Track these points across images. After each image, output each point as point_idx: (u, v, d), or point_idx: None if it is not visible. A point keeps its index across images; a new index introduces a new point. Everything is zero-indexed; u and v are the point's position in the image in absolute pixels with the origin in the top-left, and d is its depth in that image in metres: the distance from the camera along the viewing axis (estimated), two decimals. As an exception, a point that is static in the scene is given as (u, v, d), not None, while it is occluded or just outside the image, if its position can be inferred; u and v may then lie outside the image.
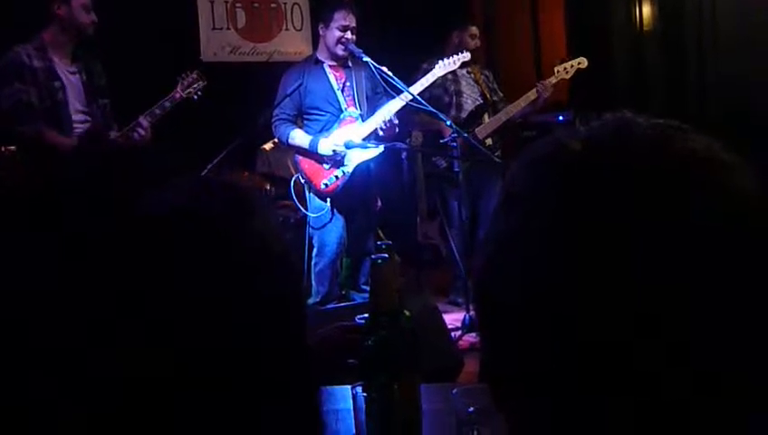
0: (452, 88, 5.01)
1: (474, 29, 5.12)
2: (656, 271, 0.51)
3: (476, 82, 5.12)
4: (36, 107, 3.67)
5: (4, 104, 3.65)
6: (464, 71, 5.04)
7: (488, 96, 5.10)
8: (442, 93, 4.96)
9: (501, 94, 5.18)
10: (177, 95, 4.05)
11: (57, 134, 3.72)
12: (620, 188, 0.53)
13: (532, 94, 4.85)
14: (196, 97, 4.13)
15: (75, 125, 3.83)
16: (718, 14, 5.07)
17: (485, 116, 5.03)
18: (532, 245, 0.55)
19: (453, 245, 4.96)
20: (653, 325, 0.51)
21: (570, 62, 4.93)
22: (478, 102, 5.06)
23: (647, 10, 5.62)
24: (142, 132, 3.87)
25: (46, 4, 3.75)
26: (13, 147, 3.84)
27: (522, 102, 4.88)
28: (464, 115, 5.01)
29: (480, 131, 4.90)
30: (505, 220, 0.58)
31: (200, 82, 4.16)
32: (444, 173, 4.82)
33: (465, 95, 5.06)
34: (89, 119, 3.89)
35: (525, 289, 0.55)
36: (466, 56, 4.54)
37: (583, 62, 4.91)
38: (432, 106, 4.67)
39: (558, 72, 4.92)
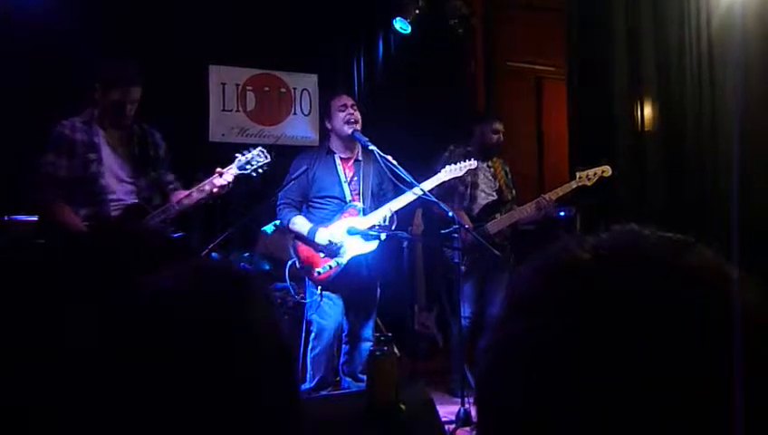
0: (468, 179, 5.01)
1: (497, 125, 5.16)
2: (659, 383, 0.51)
3: (495, 176, 5.15)
4: (63, 178, 3.80)
5: (38, 171, 3.81)
6: (485, 164, 5.10)
7: (504, 192, 5.13)
8: (457, 183, 4.94)
9: (514, 193, 5.21)
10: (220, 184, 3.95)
11: (69, 212, 3.79)
12: (628, 303, 0.53)
13: (531, 207, 4.92)
14: (255, 175, 4.06)
15: (114, 196, 3.91)
16: (719, 113, 5.16)
17: (499, 213, 5.05)
18: (538, 353, 0.55)
19: (455, 336, 4.90)
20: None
21: (593, 170, 4.91)
22: (492, 198, 5.09)
23: (648, 110, 5.72)
24: (223, 183, 3.92)
25: (90, 85, 3.92)
26: (34, 217, 4.01)
27: (528, 208, 4.93)
28: (476, 208, 5.05)
29: (491, 226, 4.94)
30: (511, 326, 0.59)
31: (261, 159, 4.05)
32: (451, 263, 4.80)
33: (480, 188, 5.09)
34: (133, 189, 3.97)
35: (529, 394, 0.55)
36: (473, 164, 4.61)
37: (607, 170, 4.91)
38: (446, 192, 4.79)
39: (580, 177, 4.91)
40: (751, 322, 0.54)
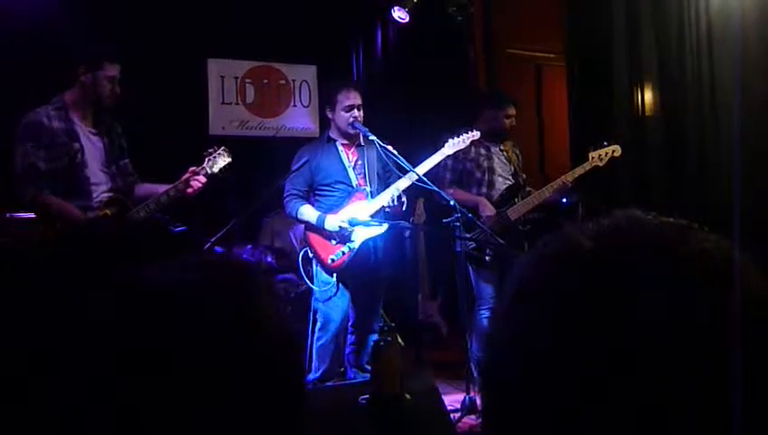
0: (485, 164, 4.89)
1: (511, 110, 5.02)
2: (662, 371, 0.51)
3: (509, 159, 5.01)
4: (43, 169, 3.66)
5: (18, 163, 3.66)
6: (497, 148, 4.96)
7: (519, 175, 4.99)
8: (474, 168, 4.85)
9: (524, 176, 5.06)
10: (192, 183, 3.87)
11: (61, 203, 3.68)
12: (629, 292, 0.53)
13: (549, 190, 4.76)
14: (221, 174, 3.97)
15: (95, 186, 3.83)
16: (719, 97, 5.14)
17: (517, 197, 4.87)
18: (538, 345, 0.55)
19: (469, 325, 4.79)
20: (661, 422, 0.51)
21: (604, 150, 4.77)
22: (509, 182, 4.92)
23: (649, 96, 5.70)
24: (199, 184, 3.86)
25: (72, 68, 3.80)
26: (32, 214, 3.84)
27: (546, 191, 4.77)
28: (495, 194, 4.86)
29: (512, 213, 4.77)
30: (513, 318, 0.58)
31: (225, 159, 3.99)
32: (471, 253, 4.66)
33: (497, 173, 4.92)
34: (109, 180, 3.89)
35: (531, 387, 0.55)
36: (476, 135, 4.52)
37: (617, 150, 4.78)
38: (463, 179, 4.76)
39: (592, 158, 4.77)
40: (754, 307, 0.54)
